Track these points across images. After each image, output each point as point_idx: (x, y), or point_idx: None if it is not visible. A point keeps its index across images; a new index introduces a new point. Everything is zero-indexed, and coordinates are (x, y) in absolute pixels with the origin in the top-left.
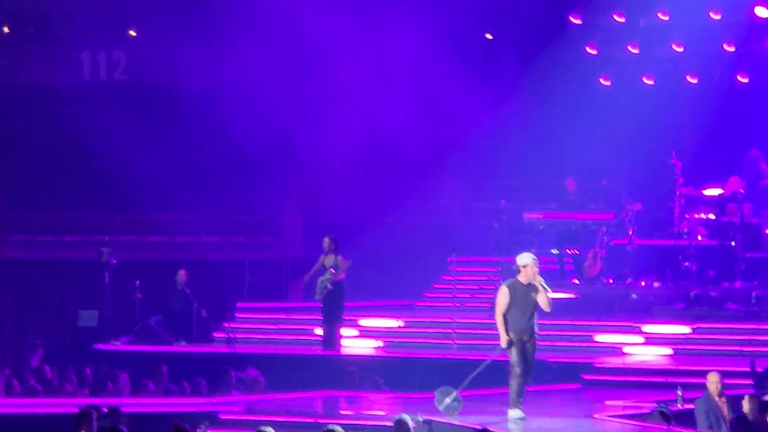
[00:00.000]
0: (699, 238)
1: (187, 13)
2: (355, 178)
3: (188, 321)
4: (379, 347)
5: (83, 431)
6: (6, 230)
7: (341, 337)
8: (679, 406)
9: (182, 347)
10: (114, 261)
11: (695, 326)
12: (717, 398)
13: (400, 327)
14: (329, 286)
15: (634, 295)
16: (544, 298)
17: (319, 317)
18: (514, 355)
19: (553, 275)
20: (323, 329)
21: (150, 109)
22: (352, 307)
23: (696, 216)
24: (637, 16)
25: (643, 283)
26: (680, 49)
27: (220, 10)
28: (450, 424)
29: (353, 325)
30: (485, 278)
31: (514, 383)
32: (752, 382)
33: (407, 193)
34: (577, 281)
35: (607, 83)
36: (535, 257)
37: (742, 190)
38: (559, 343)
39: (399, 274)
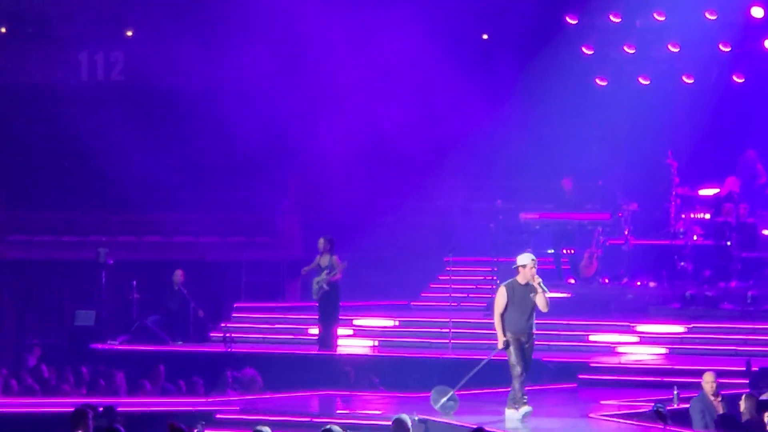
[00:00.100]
0: (695, 238)
1: (185, 13)
2: (353, 179)
3: (185, 321)
4: (373, 346)
5: (80, 431)
6: (4, 230)
7: (337, 336)
8: (675, 406)
9: (179, 347)
10: (111, 261)
11: (691, 326)
12: (712, 398)
13: (395, 326)
14: (325, 286)
15: (629, 295)
16: (542, 298)
17: (315, 317)
18: (513, 356)
19: (549, 275)
20: (319, 329)
21: (148, 109)
22: (348, 306)
23: (692, 216)
24: (633, 16)
25: (639, 283)
26: (676, 50)
27: (219, 10)
28: (445, 423)
29: (348, 324)
30: (482, 278)
31: (516, 383)
32: (748, 382)
33: (405, 193)
34: (573, 281)
35: (604, 83)
36: (534, 258)
37: (738, 190)
38: (555, 342)
39: (396, 274)
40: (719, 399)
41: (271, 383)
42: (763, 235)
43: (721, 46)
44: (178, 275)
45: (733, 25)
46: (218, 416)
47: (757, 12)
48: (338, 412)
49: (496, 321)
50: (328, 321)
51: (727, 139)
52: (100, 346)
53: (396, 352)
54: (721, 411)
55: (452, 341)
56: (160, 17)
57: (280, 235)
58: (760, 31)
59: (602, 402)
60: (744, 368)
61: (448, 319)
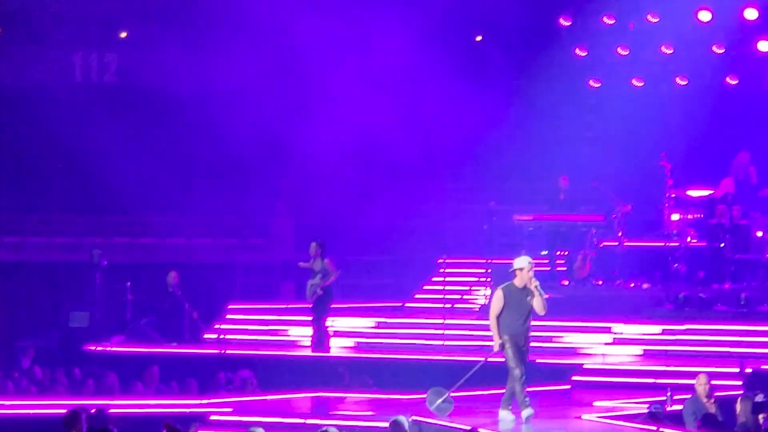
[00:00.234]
0: (689, 239)
1: (178, 16)
2: (346, 180)
3: (179, 322)
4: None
5: None
6: None
7: (330, 337)
8: (668, 407)
9: (173, 348)
10: (105, 263)
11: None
12: (705, 399)
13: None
14: (319, 291)
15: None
16: (540, 301)
17: (308, 317)
18: (511, 359)
19: (543, 277)
20: (313, 330)
21: (142, 111)
22: (342, 308)
23: (689, 217)
24: (627, 18)
25: (632, 285)
26: (670, 51)
27: (212, 13)
28: (439, 425)
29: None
30: (475, 280)
31: (517, 386)
32: (741, 383)
33: (398, 195)
34: (566, 282)
35: (597, 85)
36: (531, 261)
37: (733, 192)
38: (548, 344)
39: (389, 276)
40: (712, 401)
41: (265, 384)
42: (757, 237)
43: (714, 48)
44: (172, 277)
45: (726, 27)
46: (212, 417)
47: (750, 14)
48: (332, 413)
49: (492, 323)
50: (322, 323)
51: (720, 141)
52: (94, 347)
53: (390, 353)
54: (714, 413)
55: (446, 342)
56: (154, 20)
57: (272, 237)
58: (753, 33)
59: (595, 403)
60: (738, 370)
61: (442, 320)
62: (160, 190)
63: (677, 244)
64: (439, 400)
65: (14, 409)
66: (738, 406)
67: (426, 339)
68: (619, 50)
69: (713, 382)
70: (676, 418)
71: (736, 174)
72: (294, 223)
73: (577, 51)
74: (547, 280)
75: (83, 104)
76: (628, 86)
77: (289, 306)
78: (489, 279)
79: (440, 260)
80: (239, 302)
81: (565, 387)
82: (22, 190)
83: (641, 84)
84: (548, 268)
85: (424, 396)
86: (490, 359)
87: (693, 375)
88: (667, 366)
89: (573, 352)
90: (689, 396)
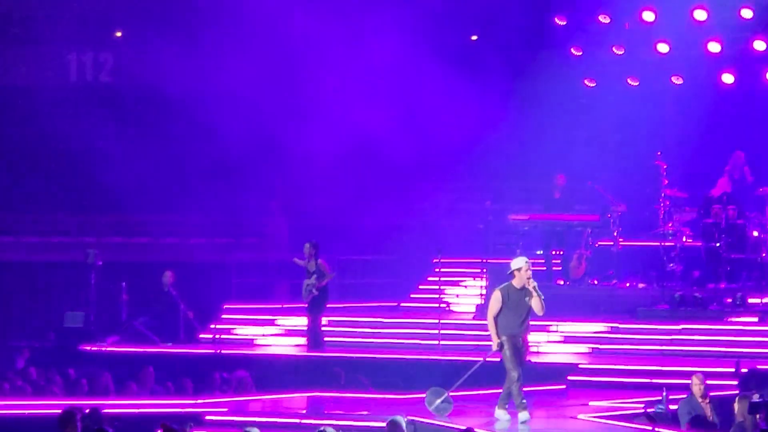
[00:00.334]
0: (684, 239)
1: (173, 15)
2: (340, 180)
3: (174, 322)
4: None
5: None
6: None
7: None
8: (664, 407)
9: (168, 348)
10: (100, 262)
11: (681, 326)
12: (700, 399)
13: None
14: (315, 291)
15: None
16: (538, 302)
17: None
18: (509, 360)
19: (539, 276)
20: (308, 330)
21: (137, 110)
22: (337, 308)
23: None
24: (622, 17)
25: (628, 284)
26: (665, 51)
27: (207, 13)
28: (435, 425)
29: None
30: (471, 279)
31: (514, 388)
32: (737, 383)
33: (392, 194)
34: (562, 282)
35: (592, 84)
36: (528, 261)
37: (730, 191)
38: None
39: (385, 276)
40: (707, 401)
41: (261, 384)
42: (752, 236)
43: (710, 47)
44: (168, 276)
45: (722, 26)
46: (207, 417)
47: (746, 13)
48: (327, 413)
49: (490, 324)
50: (315, 321)
51: (716, 141)
52: (89, 347)
53: (385, 352)
54: (709, 413)
55: (442, 342)
56: (149, 19)
57: (267, 236)
58: (749, 32)
59: (591, 403)
60: (733, 369)
61: (437, 320)
62: (155, 190)
63: (673, 243)
64: (438, 401)
65: (9, 410)
66: (736, 406)
67: (421, 339)
68: (615, 49)
69: (708, 381)
70: (671, 418)
71: (732, 173)
72: (289, 223)
73: (573, 50)
74: (543, 280)
75: (78, 103)
76: (624, 85)
77: (284, 306)
78: (485, 278)
79: (436, 260)
80: (234, 302)
81: (561, 387)
82: (17, 189)
83: (636, 83)
84: (544, 268)
85: (419, 396)
86: (488, 359)
87: (688, 375)
88: (662, 366)
89: (568, 351)
90: (684, 396)
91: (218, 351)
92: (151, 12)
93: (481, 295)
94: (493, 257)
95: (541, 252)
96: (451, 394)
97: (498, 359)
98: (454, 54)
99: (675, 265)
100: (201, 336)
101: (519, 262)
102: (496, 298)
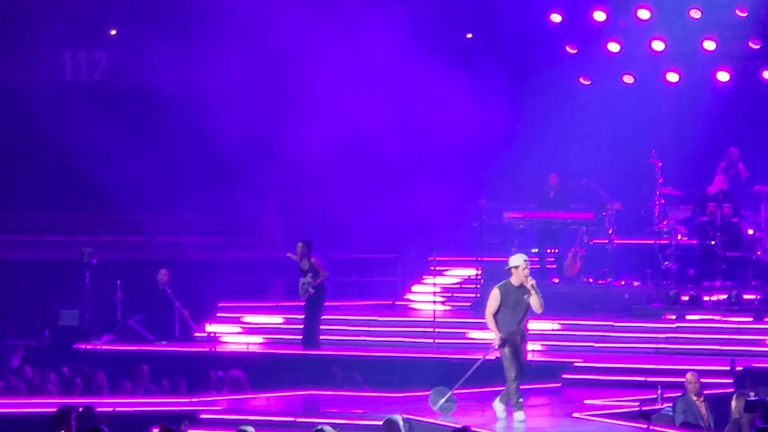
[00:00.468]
0: (679, 237)
1: (167, 14)
2: (335, 178)
3: (169, 320)
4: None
5: (62, 431)
6: None
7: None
8: (659, 405)
9: (163, 347)
10: (95, 261)
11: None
12: (695, 398)
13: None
14: (311, 290)
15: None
16: (536, 299)
17: (299, 315)
18: (507, 359)
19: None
20: (304, 328)
21: (131, 109)
22: (332, 306)
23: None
24: (618, 14)
25: (623, 282)
26: (660, 48)
27: (201, 11)
28: (430, 423)
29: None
30: (466, 277)
31: (511, 387)
32: (732, 381)
33: (387, 193)
34: (557, 280)
35: (588, 82)
36: (526, 258)
37: (726, 188)
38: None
39: (380, 274)
40: (702, 399)
41: (256, 383)
42: (747, 234)
43: (705, 45)
44: (162, 275)
45: (717, 23)
46: (202, 416)
47: (741, 11)
48: (323, 411)
49: (489, 321)
50: (313, 321)
51: (710, 138)
52: (83, 345)
53: (381, 351)
54: (703, 411)
55: (437, 340)
56: (143, 18)
57: (262, 234)
58: (744, 29)
59: (586, 401)
60: (728, 368)
61: (432, 318)
62: (149, 188)
63: (668, 241)
64: (443, 400)
65: (4, 408)
66: (733, 403)
67: (416, 337)
68: (610, 47)
69: (703, 380)
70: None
71: (726, 170)
72: (283, 221)
73: (568, 48)
74: (538, 278)
75: (73, 102)
76: (619, 83)
77: (279, 304)
78: (480, 277)
79: (431, 258)
80: (229, 301)
81: (556, 385)
82: (11, 188)
83: (632, 81)
84: (538, 266)
85: (414, 394)
86: (487, 358)
87: (683, 373)
88: (657, 364)
89: (563, 349)
90: (679, 394)
91: (213, 349)
92: (146, 11)
93: (476, 293)
94: (488, 255)
95: (536, 250)
96: (455, 392)
97: (495, 357)
98: (448, 52)
99: (670, 263)
100: (196, 334)
101: (517, 260)
102: (495, 295)
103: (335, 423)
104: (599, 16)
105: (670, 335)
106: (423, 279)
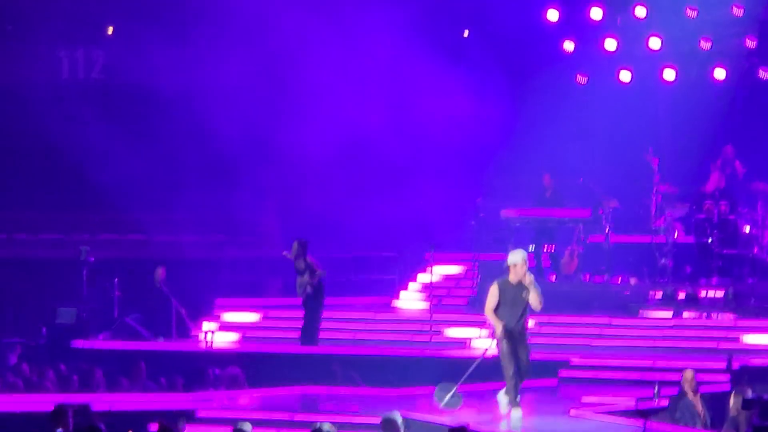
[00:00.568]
0: (676, 234)
1: (165, 13)
2: (333, 177)
3: (166, 318)
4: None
5: (60, 428)
6: None
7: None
8: (655, 403)
9: (160, 344)
10: (92, 259)
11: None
12: (691, 395)
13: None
14: (309, 289)
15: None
16: (535, 296)
17: (296, 314)
18: (505, 356)
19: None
20: (303, 327)
21: (128, 108)
22: (329, 304)
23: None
24: (615, 12)
25: (619, 280)
26: (657, 46)
27: (200, 10)
28: (428, 422)
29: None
30: (462, 275)
31: (510, 384)
32: (729, 379)
33: (385, 191)
34: (554, 278)
35: (584, 80)
36: (525, 255)
37: (723, 186)
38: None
39: (377, 272)
40: (698, 396)
41: (254, 381)
42: (744, 232)
43: (702, 43)
44: (160, 273)
45: (714, 22)
46: (200, 414)
47: (738, 10)
48: (320, 408)
49: (490, 315)
50: (312, 318)
51: (707, 136)
52: (81, 343)
53: (377, 349)
54: (700, 408)
55: (433, 338)
56: (140, 16)
57: (260, 233)
58: (740, 27)
59: (583, 399)
60: (725, 365)
61: (429, 316)
62: (147, 187)
63: (664, 239)
64: (448, 396)
65: (2, 406)
66: (731, 401)
67: (414, 335)
68: (607, 45)
69: (700, 377)
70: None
71: (723, 168)
72: (281, 220)
73: (565, 46)
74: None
75: (70, 101)
76: (615, 81)
77: (277, 302)
78: (476, 274)
79: (427, 256)
80: (227, 298)
81: (553, 382)
82: (9, 186)
83: (628, 79)
84: (535, 264)
85: (411, 392)
86: (486, 356)
87: (680, 370)
88: (654, 361)
89: (560, 346)
90: (676, 392)
91: (210, 346)
92: (143, 9)
93: (473, 291)
94: (485, 253)
95: (533, 248)
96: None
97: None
98: (446, 50)
99: (667, 260)
100: (193, 332)
101: (516, 257)
102: (493, 292)
103: (333, 420)
104: (596, 13)
105: (667, 333)
106: (420, 276)
